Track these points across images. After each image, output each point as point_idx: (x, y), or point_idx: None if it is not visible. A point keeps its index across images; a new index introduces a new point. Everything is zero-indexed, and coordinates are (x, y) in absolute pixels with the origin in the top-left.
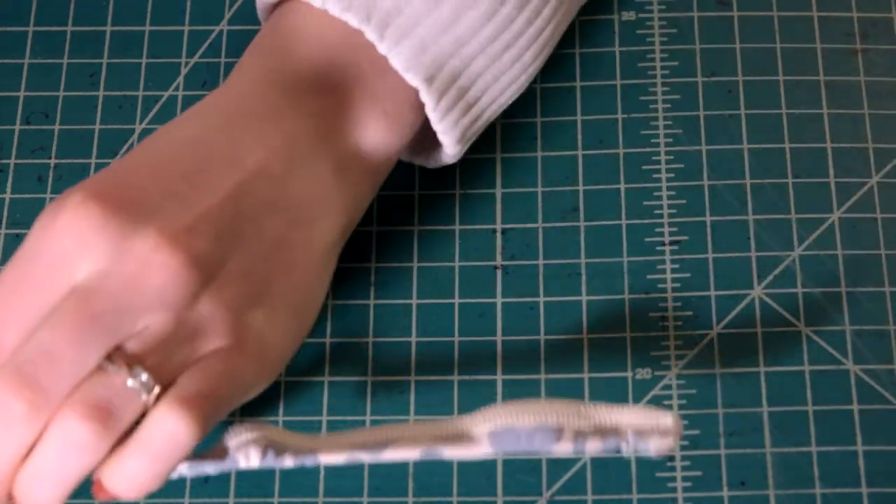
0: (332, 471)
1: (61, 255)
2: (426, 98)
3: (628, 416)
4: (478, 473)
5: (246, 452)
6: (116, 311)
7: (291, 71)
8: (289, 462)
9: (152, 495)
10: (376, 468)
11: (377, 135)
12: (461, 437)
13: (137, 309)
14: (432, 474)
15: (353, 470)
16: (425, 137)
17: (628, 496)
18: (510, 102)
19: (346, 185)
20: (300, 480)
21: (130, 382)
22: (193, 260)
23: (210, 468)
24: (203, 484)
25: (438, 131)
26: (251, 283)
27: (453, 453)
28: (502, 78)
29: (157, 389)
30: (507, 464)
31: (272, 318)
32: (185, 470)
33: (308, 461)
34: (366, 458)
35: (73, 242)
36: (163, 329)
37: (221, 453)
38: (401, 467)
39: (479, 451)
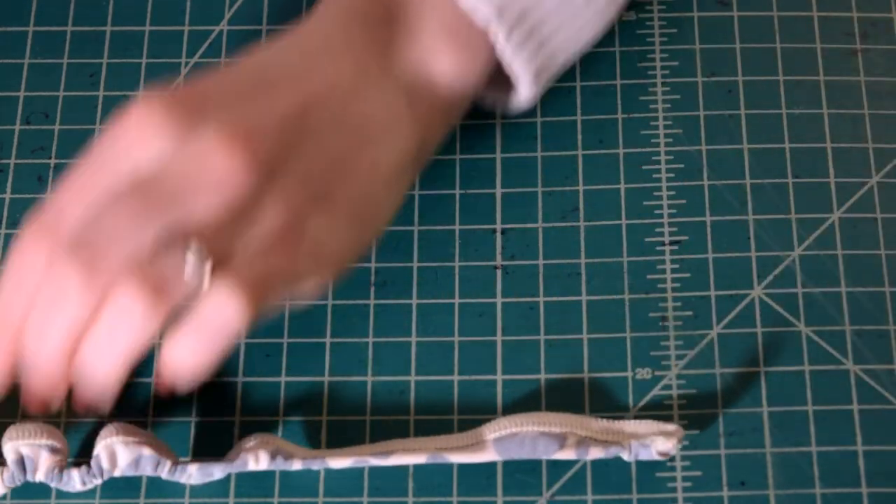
0: (333, 471)
1: (126, 147)
2: (497, 31)
3: (631, 427)
4: (478, 473)
5: (255, 454)
6: (173, 196)
7: (367, 4)
8: (297, 465)
9: (153, 495)
10: (377, 468)
11: (449, 66)
12: (467, 446)
13: (194, 198)
14: (432, 474)
15: (353, 470)
16: (502, 80)
17: (628, 496)
18: (587, 47)
19: (415, 113)
20: (300, 481)
21: (183, 261)
22: (253, 156)
23: (218, 470)
24: (203, 484)
25: (511, 67)
26: (310, 187)
27: (459, 458)
28: (576, 20)
29: (208, 267)
30: (507, 464)
31: (330, 222)
32: (194, 472)
33: (315, 465)
34: (373, 462)
35: (137, 135)
36: (218, 220)
37: (231, 458)
38: (401, 467)
39: (484, 456)
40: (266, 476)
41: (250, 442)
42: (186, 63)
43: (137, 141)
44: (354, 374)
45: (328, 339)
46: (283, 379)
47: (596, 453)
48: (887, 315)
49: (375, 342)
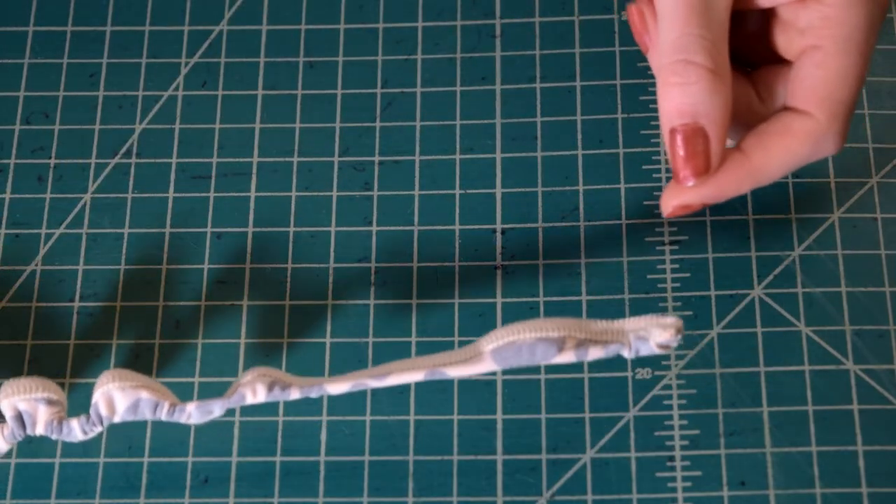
0: (333, 471)
1: None
2: None
3: (630, 324)
4: (478, 473)
5: (253, 388)
6: None
7: None
8: (294, 394)
9: (153, 495)
10: (377, 468)
11: None
12: (464, 360)
13: None
14: (432, 474)
15: (353, 469)
16: None
17: (628, 496)
18: None
19: None
20: (300, 480)
21: None
22: None
23: (217, 407)
24: (203, 484)
25: None
26: None
27: (457, 372)
28: None
29: None
30: (507, 464)
31: None
32: (193, 411)
33: (314, 392)
34: (371, 384)
35: None
36: None
37: (229, 395)
38: (401, 467)
39: (482, 367)
40: (266, 476)
41: (247, 376)
42: (186, 63)
43: None
44: None
45: (328, 339)
46: None
47: (595, 353)
48: (887, 315)
49: (375, 342)
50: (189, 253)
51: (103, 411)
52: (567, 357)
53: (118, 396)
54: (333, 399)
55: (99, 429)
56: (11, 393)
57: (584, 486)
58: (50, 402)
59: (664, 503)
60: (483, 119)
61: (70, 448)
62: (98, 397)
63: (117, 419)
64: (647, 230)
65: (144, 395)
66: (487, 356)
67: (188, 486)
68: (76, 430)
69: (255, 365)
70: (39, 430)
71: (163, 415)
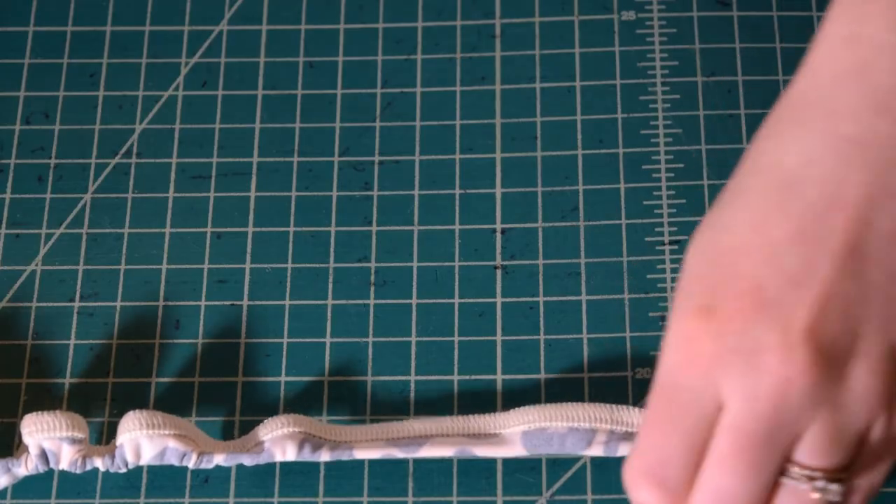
0: (333, 470)
1: (690, 386)
2: None
3: None
4: (478, 473)
5: (283, 447)
6: (772, 435)
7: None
8: (325, 456)
9: (153, 495)
10: (376, 467)
11: None
12: (494, 437)
13: (791, 425)
14: (432, 474)
15: (353, 469)
16: None
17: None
18: None
19: None
20: (300, 480)
21: (815, 495)
22: (826, 352)
23: (246, 460)
24: (203, 484)
25: None
26: (892, 330)
27: (485, 452)
28: None
29: (839, 489)
30: (507, 464)
31: None
32: (221, 461)
33: (344, 456)
34: (399, 455)
35: (698, 372)
36: (824, 427)
37: (256, 446)
38: (401, 467)
39: (511, 451)
40: (266, 476)
41: (277, 429)
42: (186, 63)
43: (700, 378)
44: (354, 374)
45: (328, 339)
46: (283, 379)
47: (624, 450)
48: None
49: (375, 342)
50: (189, 253)
51: (129, 457)
52: (596, 451)
53: (145, 444)
54: (333, 400)
55: (123, 470)
56: (35, 430)
57: (583, 486)
58: (74, 441)
59: None
60: (483, 119)
61: None
62: (125, 441)
63: (143, 463)
64: (647, 230)
65: (171, 444)
66: (518, 440)
67: (188, 486)
68: (99, 468)
69: (255, 363)
70: (63, 467)
71: (190, 464)
